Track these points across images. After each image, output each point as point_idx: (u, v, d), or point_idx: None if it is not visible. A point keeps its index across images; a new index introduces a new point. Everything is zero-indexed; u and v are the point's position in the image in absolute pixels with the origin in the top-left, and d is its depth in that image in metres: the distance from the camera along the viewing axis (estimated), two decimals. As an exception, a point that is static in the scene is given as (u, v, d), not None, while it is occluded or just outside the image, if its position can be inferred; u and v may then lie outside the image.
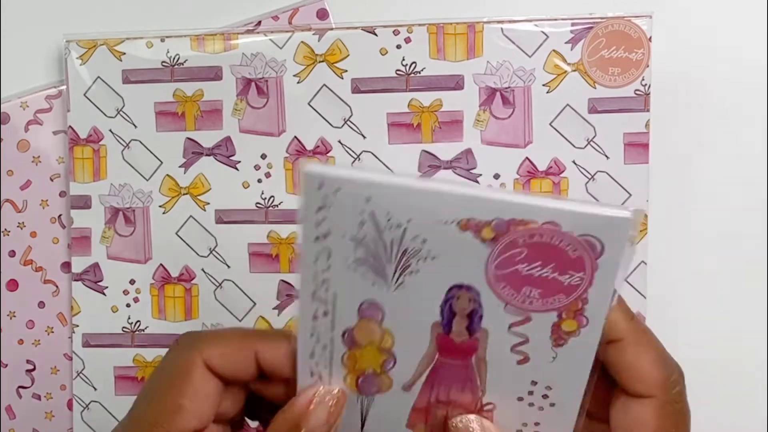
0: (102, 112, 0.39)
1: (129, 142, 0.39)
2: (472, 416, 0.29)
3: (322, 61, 0.37)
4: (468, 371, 0.28)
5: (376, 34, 0.36)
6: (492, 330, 0.27)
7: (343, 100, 0.37)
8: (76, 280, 0.40)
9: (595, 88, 0.36)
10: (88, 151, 0.39)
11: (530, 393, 0.28)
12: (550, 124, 0.36)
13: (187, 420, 0.23)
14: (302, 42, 0.37)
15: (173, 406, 0.24)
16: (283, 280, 0.38)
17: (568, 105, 0.36)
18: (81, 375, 0.39)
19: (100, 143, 0.39)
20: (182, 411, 0.23)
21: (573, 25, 0.36)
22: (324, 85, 0.37)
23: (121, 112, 0.39)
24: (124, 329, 0.39)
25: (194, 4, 0.39)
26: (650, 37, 0.36)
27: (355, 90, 0.37)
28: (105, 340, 0.39)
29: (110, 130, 0.39)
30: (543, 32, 0.36)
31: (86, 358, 0.39)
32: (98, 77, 0.39)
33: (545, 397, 0.28)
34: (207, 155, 0.38)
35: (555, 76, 0.36)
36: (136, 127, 0.39)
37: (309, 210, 0.25)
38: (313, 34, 0.37)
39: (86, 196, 0.39)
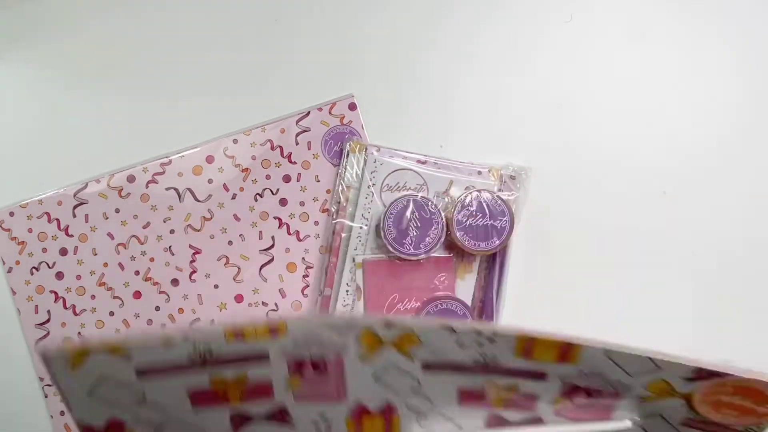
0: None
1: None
2: None
3: (391, 346, 0.32)
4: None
5: (455, 331, 0.31)
6: None
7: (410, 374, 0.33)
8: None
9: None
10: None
11: None
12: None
13: None
14: (366, 328, 0.31)
15: None
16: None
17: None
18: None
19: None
20: None
21: (695, 368, 0.29)
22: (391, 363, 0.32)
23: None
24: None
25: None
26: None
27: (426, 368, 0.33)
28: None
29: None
30: (657, 366, 0.30)
31: None
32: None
33: None
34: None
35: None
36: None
37: None
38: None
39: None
